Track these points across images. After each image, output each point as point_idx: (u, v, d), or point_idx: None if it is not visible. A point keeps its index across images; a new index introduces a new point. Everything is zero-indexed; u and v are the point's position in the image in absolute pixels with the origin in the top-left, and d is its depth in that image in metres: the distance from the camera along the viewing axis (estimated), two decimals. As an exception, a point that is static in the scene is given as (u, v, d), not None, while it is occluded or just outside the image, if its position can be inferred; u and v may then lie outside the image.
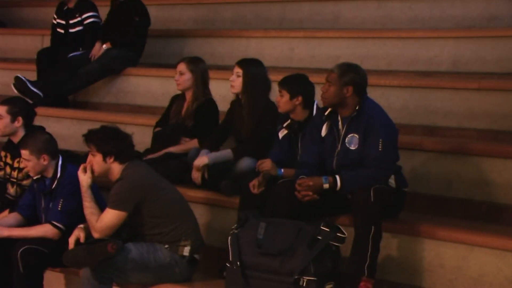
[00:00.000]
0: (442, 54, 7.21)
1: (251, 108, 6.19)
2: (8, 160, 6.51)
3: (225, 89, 6.96)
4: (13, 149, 6.38)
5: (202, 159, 6.14)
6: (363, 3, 8.22)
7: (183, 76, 6.66)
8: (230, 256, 5.29)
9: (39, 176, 6.01)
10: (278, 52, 8.10)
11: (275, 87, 6.12)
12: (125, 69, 8.45)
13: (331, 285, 5.14)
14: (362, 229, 5.14)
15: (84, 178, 5.59)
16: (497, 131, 6.34)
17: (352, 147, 5.38)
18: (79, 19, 8.63)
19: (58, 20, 8.77)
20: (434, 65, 7.23)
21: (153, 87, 8.26)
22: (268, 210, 5.52)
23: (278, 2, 8.79)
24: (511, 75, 6.82)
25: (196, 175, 6.19)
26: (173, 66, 6.97)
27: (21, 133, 6.42)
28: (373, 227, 5.11)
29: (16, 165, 6.43)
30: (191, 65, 6.67)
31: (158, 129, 6.79)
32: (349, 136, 5.39)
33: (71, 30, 8.68)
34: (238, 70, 6.24)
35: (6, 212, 6.28)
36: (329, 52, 7.76)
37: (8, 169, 6.51)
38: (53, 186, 5.96)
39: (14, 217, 6.14)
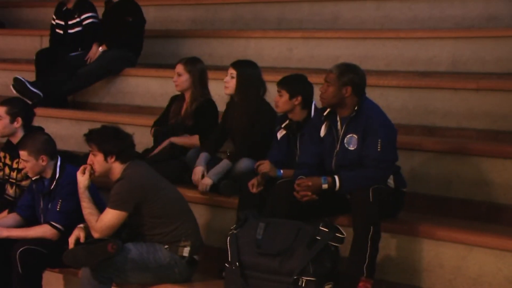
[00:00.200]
0: (441, 54, 7.21)
1: (244, 109, 6.20)
2: (7, 161, 6.50)
3: (223, 90, 6.96)
4: (12, 150, 6.38)
5: (207, 181, 6.12)
6: (363, 4, 8.22)
7: (181, 77, 6.68)
8: (229, 256, 5.29)
9: (37, 176, 6.01)
10: (277, 52, 8.09)
11: (273, 88, 6.12)
12: (124, 69, 8.45)
13: (330, 285, 5.14)
14: (361, 229, 5.14)
15: (82, 180, 5.59)
16: (496, 131, 6.34)
17: (351, 148, 5.37)
18: (78, 19, 8.64)
19: (57, 21, 8.77)
20: (434, 65, 7.23)
21: (152, 87, 8.26)
22: (267, 210, 5.52)
23: (277, 2, 8.79)
24: (510, 75, 6.82)
25: (202, 190, 6.18)
26: (172, 67, 6.97)
27: (20, 133, 6.42)
28: (372, 227, 5.11)
29: (15, 165, 6.43)
30: (189, 66, 6.68)
31: (155, 128, 6.79)
32: (348, 136, 5.39)
33: (70, 31, 8.68)
34: (232, 72, 6.26)
35: (5, 213, 6.27)
36: (328, 53, 7.76)
37: (7, 170, 6.51)
38: (52, 186, 5.95)
39: (13, 217, 6.14)
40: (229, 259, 5.29)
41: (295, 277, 5.08)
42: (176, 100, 6.82)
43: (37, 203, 6.06)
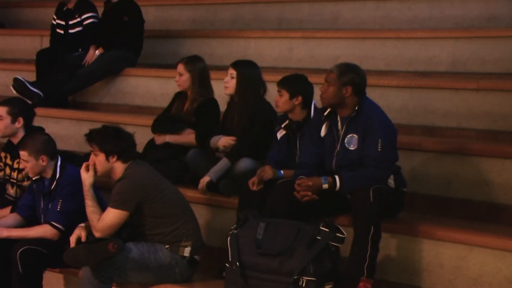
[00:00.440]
0: (441, 54, 7.22)
1: (244, 109, 6.21)
2: (8, 161, 6.51)
3: (223, 90, 6.97)
4: (13, 150, 6.38)
5: (204, 178, 6.14)
6: (363, 4, 8.22)
7: (182, 77, 6.69)
8: (230, 257, 5.29)
9: (38, 177, 6.01)
10: (277, 52, 8.10)
11: (273, 88, 6.12)
12: (124, 69, 8.45)
13: (330, 285, 5.14)
14: (362, 229, 5.14)
15: (87, 177, 5.59)
16: (496, 131, 6.34)
17: (351, 147, 5.38)
18: (78, 19, 8.64)
19: (58, 21, 8.77)
20: (433, 65, 7.23)
21: (152, 87, 8.26)
22: (268, 210, 5.52)
23: (277, 2, 8.79)
24: (510, 75, 6.82)
25: (201, 191, 6.20)
26: (172, 67, 6.97)
27: (21, 133, 6.42)
28: (372, 227, 5.11)
29: (16, 166, 6.43)
30: (189, 65, 6.69)
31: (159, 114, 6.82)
32: (348, 136, 5.40)
33: (70, 31, 8.68)
34: (232, 72, 6.26)
35: (7, 210, 6.26)
36: (328, 53, 7.76)
37: (8, 170, 6.52)
38: (52, 186, 5.96)
39: (13, 217, 6.14)
40: (230, 259, 5.29)
41: (295, 277, 5.09)
42: (180, 96, 6.83)
43: (37, 203, 6.06)
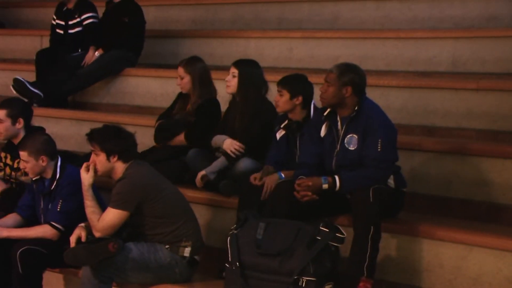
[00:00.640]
0: (441, 54, 7.22)
1: (244, 108, 6.21)
2: (8, 161, 6.51)
3: (224, 90, 6.96)
4: (13, 150, 6.38)
5: (200, 172, 6.17)
6: (362, 4, 8.22)
7: (183, 80, 6.70)
8: (230, 257, 5.29)
9: (38, 177, 6.01)
10: (277, 52, 8.10)
11: (273, 88, 6.12)
12: (124, 69, 8.45)
13: (330, 285, 5.14)
14: (361, 229, 5.14)
15: (86, 177, 5.58)
16: (496, 131, 6.34)
17: (351, 148, 5.38)
18: (78, 19, 8.64)
19: (58, 21, 8.77)
20: (433, 65, 7.23)
21: (152, 87, 8.26)
22: (267, 210, 5.52)
23: (277, 2, 8.79)
24: (510, 75, 6.82)
25: (198, 184, 6.22)
26: (172, 67, 6.98)
27: (22, 134, 6.43)
28: (372, 227, 5.11)
29: (16, 166, 6.43)
30: (188, 67, 6.69)
31: (159, 122, 6.80)
32: (348, 136, 5.40)
33: (70, 31, 8.68)
34: (234, 71, 6.26)
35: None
36: (328, 53, 7.77)
37: (8, 170, 6.52)
38: (52, 187, 5.96)
39: (13, 217, 6.14)
40: (229, 259, 5.29)
41: (295, 277, 5.09)
42: (183, 96, 6.83)
43: (37, 203, 6.06)
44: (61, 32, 8.73)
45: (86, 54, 8.49)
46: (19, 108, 6.51)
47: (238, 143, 6.14)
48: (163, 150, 6.64)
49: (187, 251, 5.53)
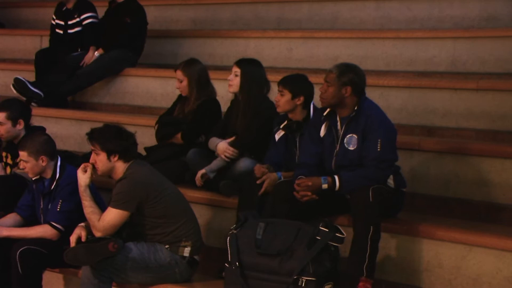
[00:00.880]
0: (440, 55, 7.22)
1: (246, 107, 6.20)
2: (9, 161, 6.52)
3: (224, 90, 6.96)
4: (14, 150, 6.39)
5: (201, 171, 6.18)
6: (362, 4, 8.22)
7: (182, 83, 6.70)
8: (229, 257, 5.29)
9: (37, 177, 6.01)
10: (277, 52, 8.10)
11: (274, 88, 6.12)
12: (124, 69, 8.45)
13: (330, 285, 5.14)
14: (361, 229, 5.14)
15: (83, 178, 5.58)
16: (495, 131, 6.34)
17: (351, 148, 5.38)
18: (77, 19, 8.63)
19: (57, 21, 8.77)
20: (433, 66, 7.24)
21: (152, 87, 8.26)
22: (267, 210, 5.53)
23: (277, 2, 8.79)
24: (509, 75, 6.82)
25: (198, 182, 6.23)
26: (172, 67, 6.97)
27: (22, 134, 6.45)
28: (372, 227, 5.11)
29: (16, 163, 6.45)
30: (186, 70, 6.69)
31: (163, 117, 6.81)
32: (348, 136, 5.40)
33: (69, 31, 8.68)
34: (236, 70, 6.26)
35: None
36: (327, 53, 7.77)
37: (8, 170, 6.52)
38: (52, 187, 5.96)
39: (13, 217, 6.15)
40: (229, 259, 5.29)
41: (295, 277, 5.09)
42: (183, 98, 6.83)
43: (37, 203, 6.06)
44: (61, 32, 8.73)
45: (86, 54, 8.49)
46: (18, 109, 6.52)
47: (231, 148, 6.13)
48: (163, 150, 6.64)
49: (187, 251, 5.53)
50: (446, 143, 6.12)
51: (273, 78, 6.33)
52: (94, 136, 5.58)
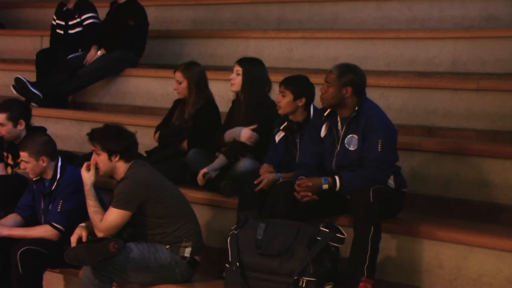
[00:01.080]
0: (441, 55, 7.22)
1: (247, 106, 6.20)
2: (10, 161, 6.52)
3: (224, 90, 6.97)
4: (15, 150, 6.39)
5: (202, 170, 6.18)
6: (362, 4, 8.22)
7: (181, 85, 6.66)
8: (230, 257, 5.29)
9: (38, 177, 6.01)
10: (277, 52, 8.10)
11: (274, 87, 6.12)
12: (125, 70, 8.45)
13: (330, 286, 5.14)
14: (362, 229, 5.14)
15: (88, 176, 5.58)
16: (496, 131, 6.34)
17: (352, 148, 5.38)
18: (78, 20, 8.64)
19: (58, 21, 8.77)
20: (433, 66, 7.24)
21: (152, 87, 8.26)
22: (268, 211, 5.53)
23: (277, 3, 8.80)
24: (510, 75, 6.82)
25: (200, 181, 6.22)
26: (173, 67, 6.96)
27: (23, 134, 6.45)
28: (372, 227, 5.11)
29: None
30: (186, 72, 6.65)
31: (161, 131, 6.77)
32: (348, 136, 5.40)
33: (70, 31, 8.68)
34: (238, 69, 6.25)
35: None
36: (328, 53, 7.77)
37: (9, 170, 6.53)
38: (53, 187, 5.96)
39: (14, 218, 6.15)
40: (230, 260, 5.30)
41: (295, 278, 5.09)
42: (180, 103, 6.80)
43: (37, 203, 6.07)
44: (61, 32, 8.74)
45: (87, 54, 8.49)
46: (18, 109, 6.52)
47: (255, 134, 6.09)
48: (163, 151, 6.64)
49: (187, 252, 5.53)
50: (446, 143, 6.12)
51: (274, 78, 6.33)
52: (94, 136, 5.57)
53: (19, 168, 6.27)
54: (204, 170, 6.18)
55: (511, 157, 5.74)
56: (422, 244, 5.37)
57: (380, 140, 5.28)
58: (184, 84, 6.65)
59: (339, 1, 8.39)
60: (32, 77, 8.54)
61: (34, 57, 8.71)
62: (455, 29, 7.52)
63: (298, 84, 5.83)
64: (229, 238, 5.34)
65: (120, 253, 5.39)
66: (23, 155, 5.95)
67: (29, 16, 10.50)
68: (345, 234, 5.17)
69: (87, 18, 8.61)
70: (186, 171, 6.45)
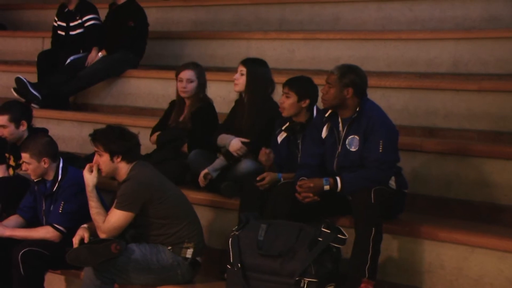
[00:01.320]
0: (442, 56, 7.22)
1: (251, 106, 6.20)
2: (12, 162, 6.53)
3: (225, 91, 6.98)
4: (17, 151, 6.40)
5: (204, 171, 6.18)
6: (363, 5, 8.22)
7: (192, 84, 6.62)
8: (231, 258, 5.30)
9: (40, 178, 6.01)
10: (278, 53, 8.10)
11: (277, 88, 6.12)
12: (126, 71, 8.45)
13: (331, 287, 5.15)
14: (363, 230, 5.14)
15: (90, 178, 5.58)
16: (497, 132, 6.34)
17: (353, 149, 5.38)
18: (79, 21, 8.64)
19: (59, 23, 8.78)
20: (434, 67, 7.24)
21: (153, 89, 8.27)
22: (269, 212, 5.53)
23: (278, 3, 8.80)
24: (511, 76, 6.82)
25: (201, 182, 6.23)
26: (174, 68, 6.96)
27: (25, 135, 6.46)
28: (373, 228, 5.11)
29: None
30: (197, 72, 6.64)
31: (157, 133, 6.76)
32: (349, 137, 5.40)
33: (71, 33, 8.69)
34: (242, 69, 6.25)
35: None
36: (329, 54, 7.77)
37: (11, 171, 6.53)
38: (54, 188, 5.96)
39: (15, 219, 6.15)
40: (231, 261, 5.30)
41: (296, 278, 5.09)
42: (176, 105, 6.78)
43: (39, 205, 6.07)
44: (63, 33, 8.74)
45: (88, 55, 8.49)
46: (19, 110, 6.53)
47: (244, 147, 6.10)
48: (164, 151, 6.63)
49: (189, 253, 5.54)
50: (447, 144, 6.12)
51: (275, 79, 6.33)
52: (97, 137, 5.58)
53: (21, 169, 6.28)
54: (205, 171, 6.18)
55: (512, 157, 5.75)
56: (423, 244, 5.37)
57: (381, 141, 5.28)
58: (195, 83, 6.63)
59: (340, 2, 8.40)
60: (34, 79, 8.54)
61: (36, 59, 8.72)
62: (456, 30, 7.52)
63: (302, 85, 5.82)
64: (230, 239, 5.34)
65: (122, 254, 5.39)
66: (25, 156, 5.95)
67: (30, 17, 10.51)
68: (346, 235, 5.17)
69: (89, 20, 8.61)
70: (186, 172, 6.45)
